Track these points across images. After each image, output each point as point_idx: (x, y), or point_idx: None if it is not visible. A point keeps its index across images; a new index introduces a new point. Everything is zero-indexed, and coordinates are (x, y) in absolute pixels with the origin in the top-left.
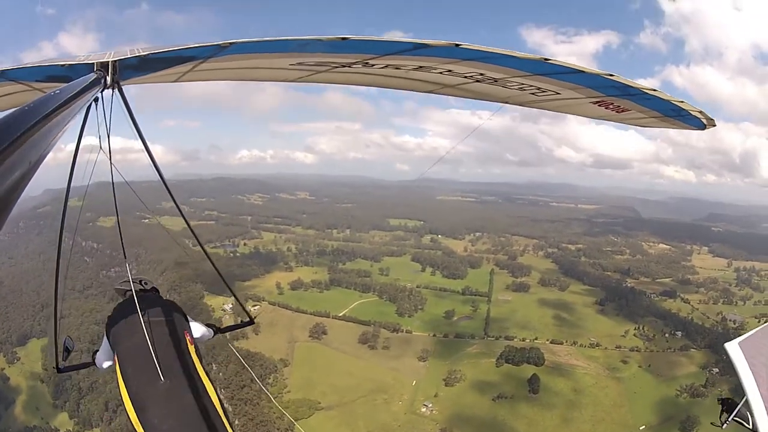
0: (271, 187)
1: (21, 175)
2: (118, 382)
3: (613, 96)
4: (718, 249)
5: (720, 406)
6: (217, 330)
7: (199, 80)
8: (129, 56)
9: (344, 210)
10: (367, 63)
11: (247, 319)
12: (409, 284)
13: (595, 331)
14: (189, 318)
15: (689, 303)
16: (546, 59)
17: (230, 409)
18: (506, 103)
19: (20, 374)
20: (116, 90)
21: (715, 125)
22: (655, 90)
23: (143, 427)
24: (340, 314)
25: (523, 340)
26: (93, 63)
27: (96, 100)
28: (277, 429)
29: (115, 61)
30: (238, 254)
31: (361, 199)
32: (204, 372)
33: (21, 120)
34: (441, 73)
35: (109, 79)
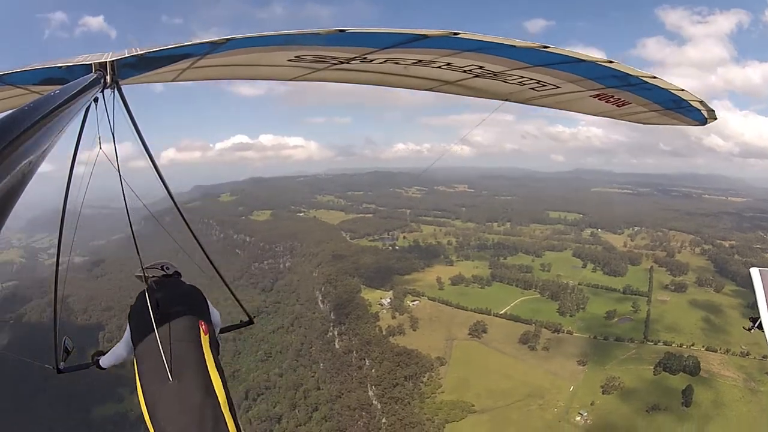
0: (429, 179)
1: (21, 176)
2: (135, 378)
3: (613, 87)
4: None
5: (750, 322)
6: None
7: (197, 79)
8: (126, 56)
9: (504, 203)
10: (365, 58)
11: (247, 318)
12: (571, 281)
13: (747, 338)
14: (210, 306)
15: None
16: (545, 46)
17: (379, 407)
18: (507, 100)
19: None
20: (116, 90)
21: (716, 118)
22: (654, 77)
23: (153, 429)
24: (501, 312)
25: (681, 346)
26: (91, 63)
27: (96, 100)
28: None
29: (113, 60)
30: (397, 247)
31: (520, 192)
32: (215, 366)
33: (20, 120)
34: (440, 67)
35: (108, 78)
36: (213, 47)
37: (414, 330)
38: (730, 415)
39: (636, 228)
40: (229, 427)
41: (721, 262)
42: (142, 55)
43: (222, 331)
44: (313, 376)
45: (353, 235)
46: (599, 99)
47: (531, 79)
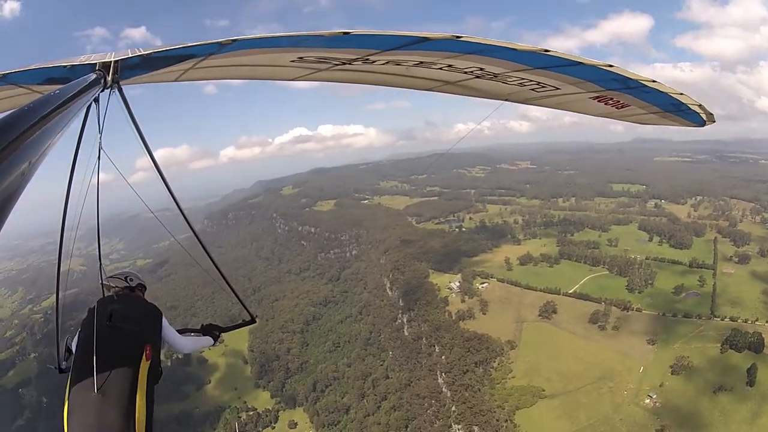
0: (491, 158)
1: (21, 175)
2: (68, 377)
3: (612, 90)
4: None
5: None
6: (219, 333)
7: (199, 79)
8: (130, 56)
9: (567, 177)
10: (367, 60)
11: (249, 318)
12: (639, 256)
13: None
14: (165, 327)
15: None
16: (546, 51)
17: (449, 394)
18: (507, 100)
19: (221, 355)
20: (116, 90)
21: (714, 121)
22: (654, 81)
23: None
24: (570, 291)
25: (745, 322)
26: (94, 63)
27: (96, 100)
28: (497, 420)
29: (116, 60)
30: (463, 229)
31: (582, 166)
32: (145, 394)
33: (20, 120)
34: (441, 68)
35: (109, 78)
36: (218, 48)
37: (484, 313)
38: None
39: (698, 197)
40: None
41: None
42: (146, 55)
43: (224, 330)
44: (381, 365)
45: (419, 219)
46: (599, 101)
47: (531, 80)
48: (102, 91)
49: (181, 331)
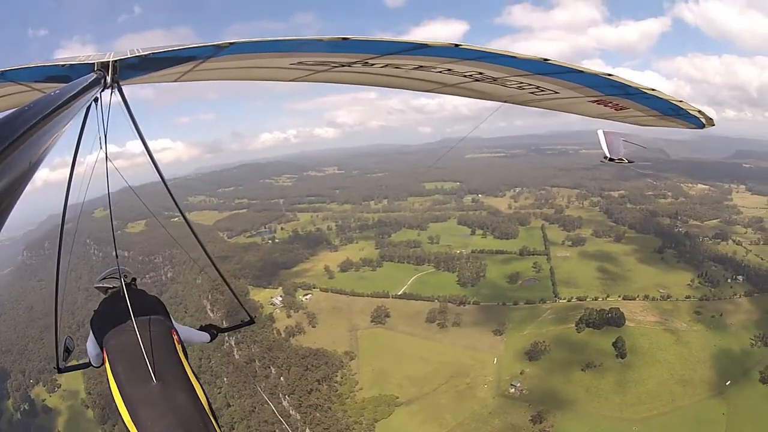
0: (298, 166)
1: (20, 176)
2: (108, 381)
3: (611, 95)
4: (755, 186)
5: (604, 159)
6: (217, 333)
7: (199, 80)
8: (129, 56)
9: (377, 180)
10: (367, 63)
11: (248, 318)
12: (463, 250)
13: (663, 283)
14: (173, 319)
15: (741, 245)
16: (545, 59)
17: (298, 417)
18: (506, 102)
19: (60, 399)
20: (116, 90)
21: (713, 124)
22: (653, 89)
23: (137, 429)
24: (399, 292)
25: (596, 299)
26: (93, 63)
27: (96, 100)
28: None
29: (115, 60)
30: (277, 240)
31: (392, 167)
32: (192, 372)
33: (20, 120)
34: (441, 72)
35: (108, 78)
36: (217, 50)
37: (313, 327)
38: (670, 359)
39: (517, 189)
40: (216, 428)
41: (614, 212)
42: (145, 56)
43: (222, 331)
44: (219, 393)
45: (230, 233)
46: (597, 103)
47: (530, 84)
48: (102, 91)
49: None
